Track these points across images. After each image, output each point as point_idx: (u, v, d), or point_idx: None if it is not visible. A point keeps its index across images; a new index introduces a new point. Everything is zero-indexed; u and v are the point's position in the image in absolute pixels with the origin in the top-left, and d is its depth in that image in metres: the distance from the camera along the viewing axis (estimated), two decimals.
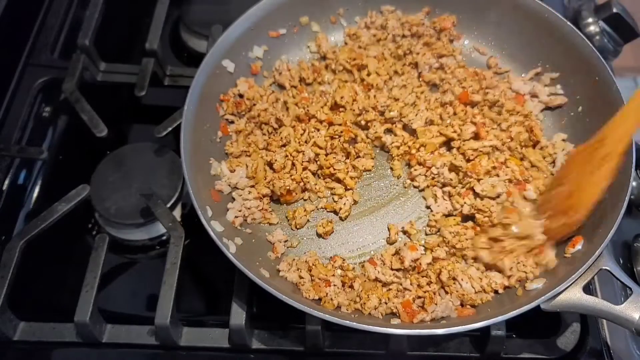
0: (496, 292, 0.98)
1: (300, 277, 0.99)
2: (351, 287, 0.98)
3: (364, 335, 0.94)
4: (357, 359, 1.00)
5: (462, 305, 0.97)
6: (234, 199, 1.07)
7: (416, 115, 1.12)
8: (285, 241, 1.05)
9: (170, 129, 1.12)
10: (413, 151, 1.11)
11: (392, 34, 1.25)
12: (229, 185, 1.08)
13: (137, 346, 0.99)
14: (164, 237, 1.13)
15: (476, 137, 1.10)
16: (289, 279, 0.99)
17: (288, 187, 1.05)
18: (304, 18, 1.24)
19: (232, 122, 1.16)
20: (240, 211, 1.05)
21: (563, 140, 1.13)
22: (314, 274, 0.99)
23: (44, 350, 1.00)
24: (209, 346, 0.99)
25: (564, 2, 1.38)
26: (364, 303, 0.96)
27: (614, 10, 1.24)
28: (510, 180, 1.06)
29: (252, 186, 1.08)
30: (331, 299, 0.96)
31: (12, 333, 0.99)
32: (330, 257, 1.03)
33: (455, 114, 1.14)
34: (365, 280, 0.99)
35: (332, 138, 1.10)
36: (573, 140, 1.12)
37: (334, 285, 0.97)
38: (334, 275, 0.99)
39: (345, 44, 1.25)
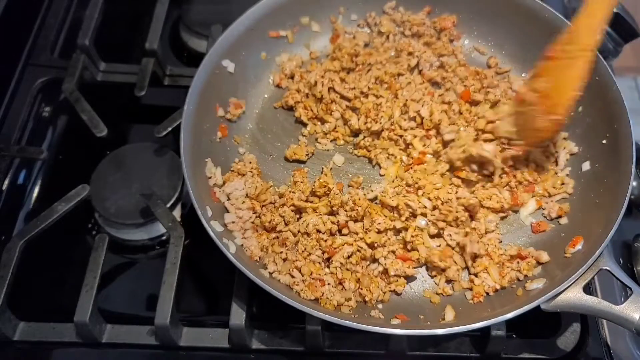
0: (487, 294, 0.99)
1: (292, 277, 0.99)
2: (342, 285, 0.99)
3: (364, 335, 0.94)
4: (357, 359, 0.99)
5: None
6: (227, 211, 1.05)
7: (422, 105, 1.13)
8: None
9: (170, 129, 1.12)
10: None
11: (390, 34, 1.25)
12: (222, 192, 1.07)
13: (137, 346, 0.99)
14: (164, 237, 1.13)
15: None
16: (282, 281, 0.99)
17: (274, 224, 1.03)
18: (304, 18, 1.25)
19: (230, 119, 1.16)
20: (234, 223, 1.04)
21: (564, 138, 1.13)
22: (304, 273, 0.99)
23: (44, 350, 1.00)
24: (209, 346, 0.99)
25: (564, 2, 1.38)
26: (367, 297, 0.97)
27: (614, 10, 1.24)
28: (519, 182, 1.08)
29: (247, 196, 1.07)
30: (328, 299, 0.96)
31: (12, 333, 0.99)
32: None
33: (460, 112, 1.14)
34: (358, 277, 0.99)
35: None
36: (573, 139, 1.12)
37: (329, 284, 0.97)
38: (326, 273, 0.99)
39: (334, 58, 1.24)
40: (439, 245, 1.02)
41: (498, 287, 0.99)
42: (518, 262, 1.01)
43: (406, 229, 1.03)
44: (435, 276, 1.01)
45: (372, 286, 0.98)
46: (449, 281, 1.01)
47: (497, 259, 1.01)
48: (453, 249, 1.02)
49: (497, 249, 1.02)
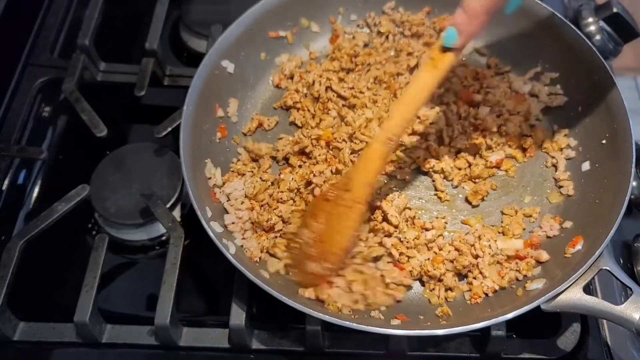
0: (486, 295, 0.99)
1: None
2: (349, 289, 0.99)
3: (364, 335, 0.94)
4: (357, 359, 0.99)
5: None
6: (227, 212, 1.05)
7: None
8: None
9: (170, 129, 1.12)
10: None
11: (390, 34, 1.25)
12: (222, 192, 1.07)
13: (137, 346, 0.99)
14: (164, 237, 1.13)
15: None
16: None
17: (272, 224, 1.03)
18: (304, 19, 1.24)
19: (229, 116, 1.16)
20: (234, 224, 1.05)
21: (565, 135, 1.13)
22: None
23: (44, 350, 0.99)
24: (209, 346, 0.99)
25: (564, 2, 1.38)
26: (369, 300, 0.97)
27: (614, 10, 1.24)
28: None
29: (246, 196, 1.07)
30: (335, 301, 0.95)
31: (12, 333, 0.99)
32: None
33: (458, 114, 1.14)
34: (366, 279, 0.99)
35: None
36: (573, 139, 1.12)
37: (337, 286, 0.97)
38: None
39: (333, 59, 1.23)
40: (428, 259, 1.01)
41: (497, 287, 0.99)
42: (517, 263, 1.01)
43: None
44: (434, 289, 1.00)
45: (377, 289, 0.98)
46: (447, 289, 1.00)
47: (490, 260, 1.00)
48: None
49: (489, 250, 1.01)
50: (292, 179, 1.07)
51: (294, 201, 1.06)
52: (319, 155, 1.09)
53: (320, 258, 0.95)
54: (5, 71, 1.29)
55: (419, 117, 1.13)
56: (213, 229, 0.96)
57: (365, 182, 0.96)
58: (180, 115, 1.07)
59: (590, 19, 1.27)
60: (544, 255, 1.00)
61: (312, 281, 0.96)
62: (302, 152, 1.11)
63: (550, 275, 0.97)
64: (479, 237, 1.02)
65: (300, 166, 1.10)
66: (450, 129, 1.12)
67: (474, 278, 1.00)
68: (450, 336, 1.00)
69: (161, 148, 1.16)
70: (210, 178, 1.08)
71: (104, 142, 1.16)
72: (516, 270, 1.00)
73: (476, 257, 1.00)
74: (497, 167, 1.11)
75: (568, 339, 0.99)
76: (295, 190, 1.06)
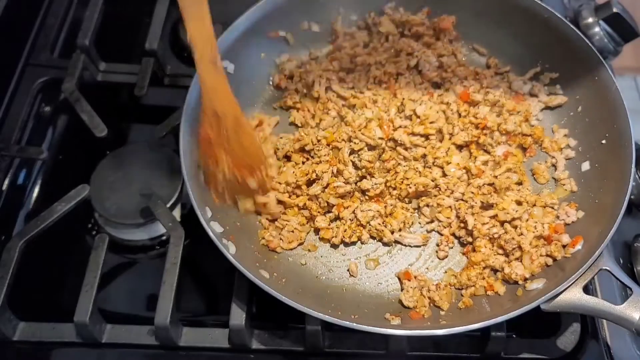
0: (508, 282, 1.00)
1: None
2: None
3: (364, 335, 0.94)
4: (357, 359, 1.00)
5: None
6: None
7: (420, 104, 1.13)
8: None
9: (170, 128, 1.12)
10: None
11: (390, 34, 1.25)
12: None
13: (137, 346, 0.99)
14: (164, 237, 1.13)
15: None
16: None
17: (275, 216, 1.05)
18: (304, 19, 1.24)
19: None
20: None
21: (565, 135, 1.13)
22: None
23: (44, 350, 1.00)
24: (209, 346, 0.99)
25: (564, 2, 1.38)
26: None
27: (614, 10, 1.24)
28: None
29: None
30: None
31: (12, 333, 0.99)
32: None
33: (459, 113, 1.14)
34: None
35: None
36: (573, 139, 1.12)
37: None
38: None
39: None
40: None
41: (527, 274, 0.98)
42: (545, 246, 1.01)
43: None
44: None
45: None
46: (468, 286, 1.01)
47: (532, 244, 1.00)
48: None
49: (528, 232, 1.01)
50: (293, 172, 1.07)
51: (290, 195, 1.07)
52: (322, 155, 1.09)
53: (249, 174, 1.00)
54: (5, 71, 1.29)
55: (418, 117, 1.13)
56: (213, 229, 0.96)
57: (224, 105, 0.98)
58: (180, 115, 1.06)
59: (590, 19, 1.27)
60: (566, 238, 1.00)
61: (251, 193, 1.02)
62: (302, 150, 1.11)
63: (550, 275, 0.97)
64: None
65: (303, 162, 1.10)
66: (451, 126, 1.12)
67: (508, 263, 1.00)
68: (450, 336, 1.00)
69: (161, 148, 1.16)
70: None
71: (104, 142, 1.16)
72: (546, 255, 0.99)
73: (520, 234, 1.01)
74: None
75: (568, 339, 0.99)
76: (294, 184, 1.06)
